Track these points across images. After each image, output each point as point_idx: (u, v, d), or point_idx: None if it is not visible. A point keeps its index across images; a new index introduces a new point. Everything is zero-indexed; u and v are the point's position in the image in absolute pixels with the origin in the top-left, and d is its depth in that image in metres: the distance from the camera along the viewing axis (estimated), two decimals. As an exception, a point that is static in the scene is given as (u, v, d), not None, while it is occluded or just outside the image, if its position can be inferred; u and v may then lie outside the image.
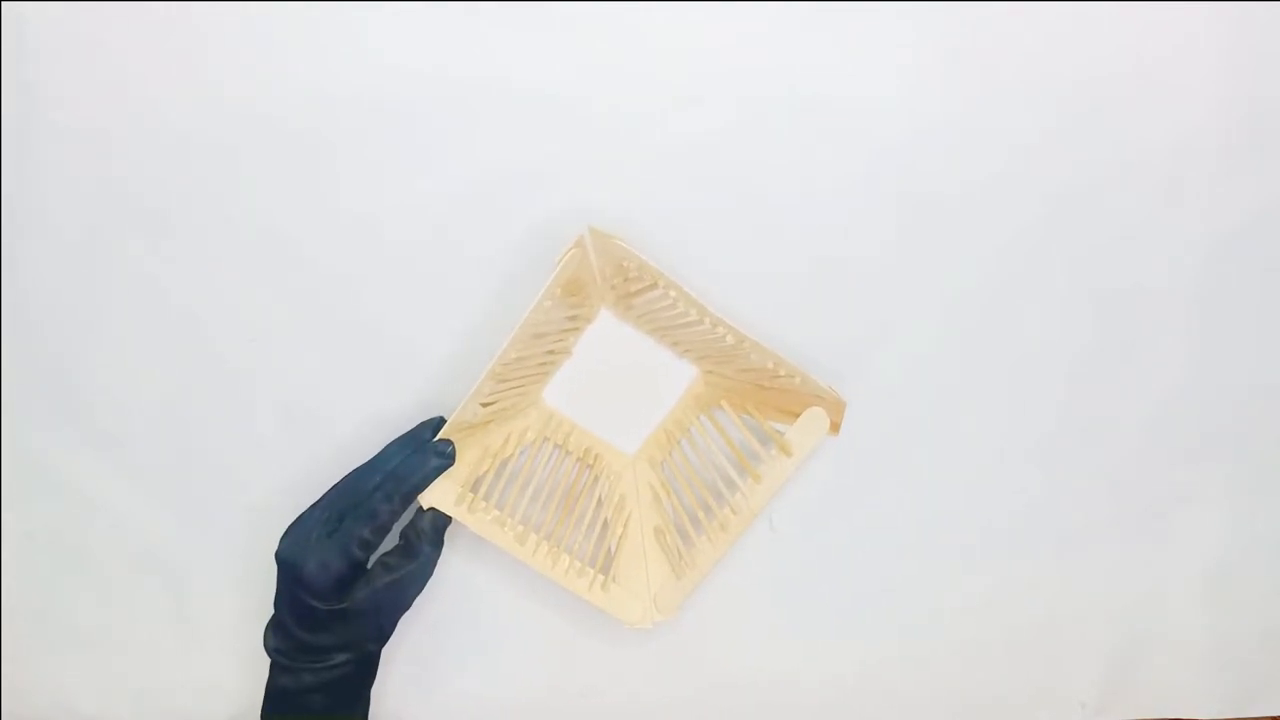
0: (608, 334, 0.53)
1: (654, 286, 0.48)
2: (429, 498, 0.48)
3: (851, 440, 0.51)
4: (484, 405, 0.48)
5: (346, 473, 0.48)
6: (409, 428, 0.49)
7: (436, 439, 0.47)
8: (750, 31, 0.49)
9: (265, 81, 0.48)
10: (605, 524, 0.52)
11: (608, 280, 0.49)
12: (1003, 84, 0.51)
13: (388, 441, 0.48)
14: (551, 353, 0.51)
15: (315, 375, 0.52)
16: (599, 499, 0.53)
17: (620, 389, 0.53)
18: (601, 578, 0.50)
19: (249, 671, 0.54)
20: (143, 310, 0.51)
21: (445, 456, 0.47)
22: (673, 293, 0.46)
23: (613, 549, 0.52)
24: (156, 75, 0.48)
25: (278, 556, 0.46)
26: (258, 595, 0.53)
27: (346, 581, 0.46)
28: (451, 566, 0.52)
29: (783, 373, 0.49)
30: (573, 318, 0.50)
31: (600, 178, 0.50)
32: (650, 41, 0.49)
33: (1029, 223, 0.53)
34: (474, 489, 0.49)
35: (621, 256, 0.46)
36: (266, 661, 0.48)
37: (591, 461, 0.53)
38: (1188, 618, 0.59)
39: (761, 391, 0.51)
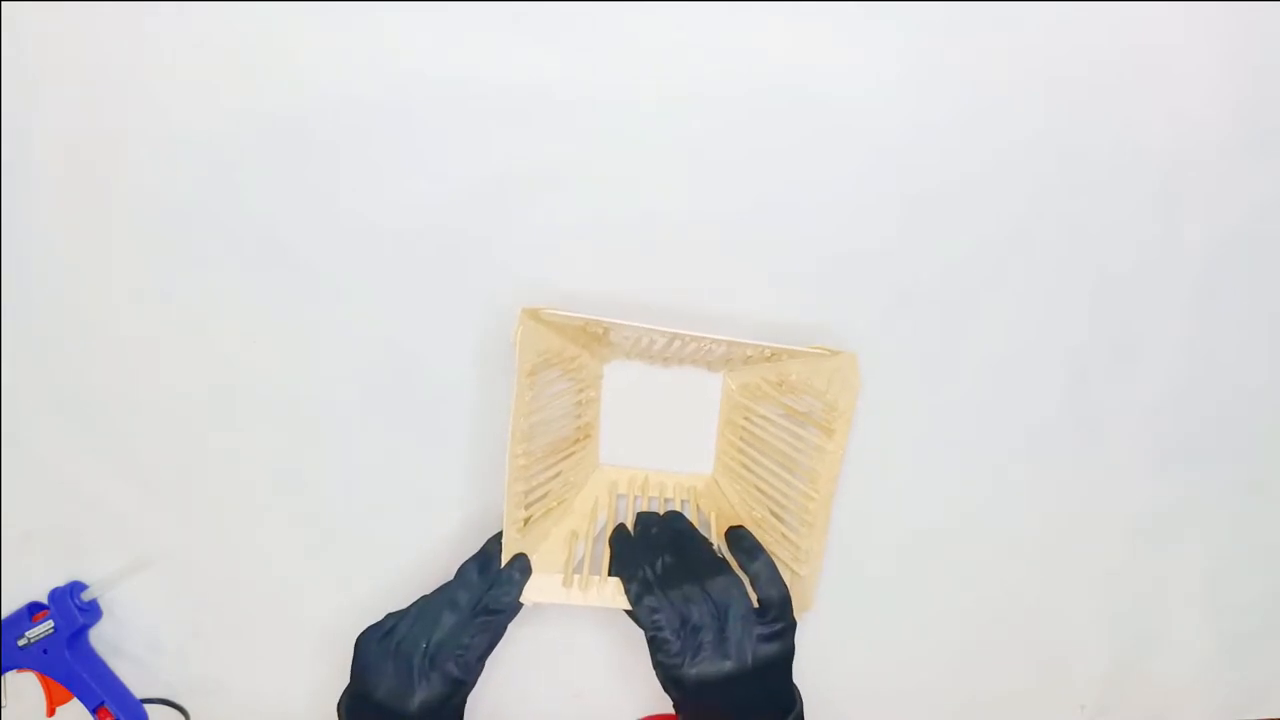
0: (626, 378, 0.52)
1: (608, 330, 0.47)
2: (534, 595, 0.48)
3: (851, 442, 0.51)
4: (528, 508, 0.48)
5: (429, 592, 0.48)
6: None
7: (507, 564, 0.48)
8: (747, 32, 0.49)
9: (265, 83, 0.48)
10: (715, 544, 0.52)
11: (579, 338, 0.49)
12: (1001, 79, 0.50)
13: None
14: (580, 417, 0.51)
15: (315, 375, 0.52)
16: (696, 523, 0.53)
17: (667, 420, 0.53)
18: None
19: (247, 670, 0.54)
20: (143, 311, 0.51)
21: (525, 572, 0.48)
22: (626, 330, 0.45)
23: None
24: (157, 76, 0.48)
25: (359, 688, 0.46)
26: (258, 594, 0.54)
27: (443, 706, 0.46)
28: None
29: (774, 353, 0.48)
30: (576, 379, 0.50)
31: (600, 178, 0.50)
32: (649, 43, 0.49)
33: (1027, 220, 0.53)
34: (578, 569, 0.49)
35: (561, 320, 0.45)
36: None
37: (673, 494, 0.53)
38: (1188, 619, 0.59)
39: (782, 372, 0.51)
